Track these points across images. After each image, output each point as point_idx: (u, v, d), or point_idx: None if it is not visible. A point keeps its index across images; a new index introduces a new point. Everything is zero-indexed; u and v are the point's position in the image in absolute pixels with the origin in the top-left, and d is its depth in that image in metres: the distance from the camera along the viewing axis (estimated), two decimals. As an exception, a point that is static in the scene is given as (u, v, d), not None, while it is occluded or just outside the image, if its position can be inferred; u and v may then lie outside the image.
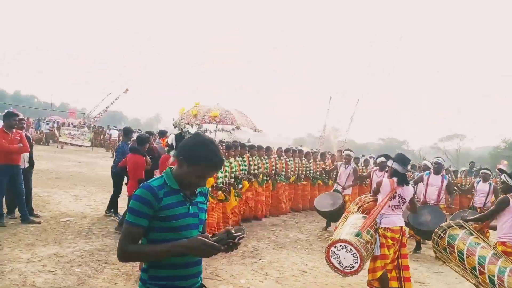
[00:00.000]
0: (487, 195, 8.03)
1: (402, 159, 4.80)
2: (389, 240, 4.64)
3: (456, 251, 4.36)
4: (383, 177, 6.94)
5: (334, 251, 4.35)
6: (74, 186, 11.19)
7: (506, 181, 4.60)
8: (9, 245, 5.59)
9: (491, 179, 8.61)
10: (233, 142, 7.63)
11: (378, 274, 4.62)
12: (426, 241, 7.58)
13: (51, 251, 5.53)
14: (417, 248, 7.57)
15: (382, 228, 4.71)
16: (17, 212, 7.04)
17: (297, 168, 10.54)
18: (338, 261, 4.34)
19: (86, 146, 24.77)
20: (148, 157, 6.72)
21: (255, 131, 4.84)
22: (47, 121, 28.22)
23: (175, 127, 4.71)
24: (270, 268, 5.80)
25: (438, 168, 7.55)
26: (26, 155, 7.16)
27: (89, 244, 6.01)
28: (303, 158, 10.94)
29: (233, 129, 4.63)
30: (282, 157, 10.20)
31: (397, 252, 4.76)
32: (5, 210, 6.90)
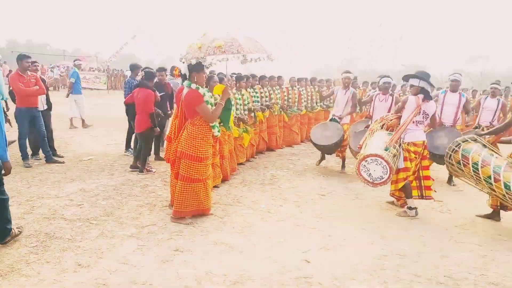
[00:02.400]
0: (495, 112, 7.20)
1: (427, 75, 5.00)
2: (412, 154, 4.95)
3: (470, 162, 4.68)
4: (385, 100, 6.87)
5: (364, 165, 4.70)
6: (93, 127, 11.38)
7: None
8: (36, 183, 5.81)
9: (500, 95, 7.72)
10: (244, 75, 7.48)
11: (400, 185, 5.00)
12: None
13: (76, 187, 5.74)
14: None
15: (406, 142, 4.99)
16: (41, 154, 7.26)
17: (309, 97, 10.29)
18: (368, 174, 4.70)
19: (102, 90, 24.87)
20: (157, 92, 6.70)
21: (267, 58, 4.58)
22: (58, 67, 28.17)
23: (182, 63, 4.57)
24: (289, 194, 5.91)
25: (455, 86, 6.75)
26: (43, 97, 7.24)
27: (112, 180, 6.20)
28: (317, 86, 10.59)
29: (242, 60, 4.40)
30: (295, 87, 9.89)
31: (418, 165, 5.10)
32: (29, 152, 7.10)
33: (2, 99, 5.49)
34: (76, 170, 6.67)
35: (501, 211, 5.02)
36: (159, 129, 6.78)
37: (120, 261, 3.64)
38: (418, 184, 5.18)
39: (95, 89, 24.66)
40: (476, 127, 7.17)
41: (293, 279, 3.44)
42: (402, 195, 5.17)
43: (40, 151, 7.26)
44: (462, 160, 4.79)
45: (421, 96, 4.93)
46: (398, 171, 4.97)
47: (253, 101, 7.86)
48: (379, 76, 7.63)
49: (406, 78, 5.22)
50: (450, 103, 6.75)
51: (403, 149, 4.99)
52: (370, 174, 4.71)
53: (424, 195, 5.18)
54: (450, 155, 4.97)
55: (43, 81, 7.20)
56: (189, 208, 4.59)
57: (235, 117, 6.74)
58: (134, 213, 4.83)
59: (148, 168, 6.75)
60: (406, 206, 5.10)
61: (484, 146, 4.84)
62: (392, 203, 5.48)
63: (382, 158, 4.62)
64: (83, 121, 11.38)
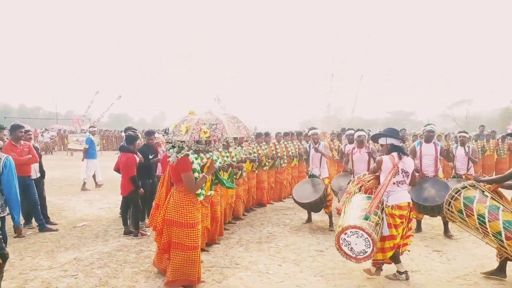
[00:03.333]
0: (468, 160, 7.28)
1: (394, 132, 4.75)
2: (397, 219, 4.50)
3: (475, 214, 4.37)
4: (360, 153, 6.91)
5: (344, 238, 4.22)
6: (87, 191, 11.31)
7: None
8: (29, 254, 5.69)
9: (470, 142, 7.87)
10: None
11: (389, 254, 4.56)
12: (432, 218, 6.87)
13: (70, 256, 5.62)
14: (418, 229, 6.86)
15: (389, 206, 4.57)
16: (34, 222, 7.16)
17: (297, 150, 10.34)
18: (349, 248, 4.22)
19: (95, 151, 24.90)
20: (139, 154, 6.79)
21: (248, 138, 4.74)
22: (47, 130, 28.44)
23: (168, 143, 4.65)
24: (287, 251, 5.83)
25: (430, 136, 6.75)
26: (36, 165, 7.25)
27: (107, 246, 6.10)
28: (303, 140, 10.75)
29: (224, 143, 4.59)
30: (281, 142, 9.94)
31: (405, 229, 4.66)
32: (22, 221, 6.99)
33: None
34: (70, 238, 6.56)
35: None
36: (143, 190, 6.72)
37: (116, 335, 3.51)
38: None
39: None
40: (454, 177, 7.19)
41: None
42: (389, 261, 4.71)
43: (33, 220, 7.17)
44: (465, 210, 4.48)
45: (395, 154, 4.61)
46: (384, 238, 4.49)
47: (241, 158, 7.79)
48: (348, 129, 7.90)
49: (374, 138, 5.02)
50: (427, 154, 6.69)
51: (386, 214, 4.56)
52: (351, 248, 4.21)
53: (399, 251, 4.72)
54: (450, 202, 4.68)
55: (36, 149, 7.26)
56: (182, 276, 4.44)
57: (222, 166, 6.45)
58: (130, 281, 4.71)
59: (142, 232, 6.68)
60: (396, 271, 4.69)
61: (484, 193, 4.58)
62: (368, 271, 4.78)
63: (363, 230, 4.13)
64: (96, 183, 12.16)
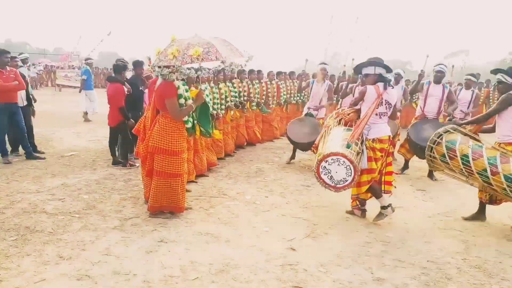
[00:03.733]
0: (469, 104, 7.20)
1: (382, 61, 4.44)
2: (378, 153, 4.34)
3: (459, 155, 4.25)
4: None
5: (325, 166, 4.10)
6: (75, 124, 11.20)
7: (504, 80, 4.44)
8: (16, 179, 5.67)
9: (474, 87, 7.64)
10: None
11: (364, 188, 4.41)
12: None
13: (58, 182, 5.62)
14: (405, 167, 6.98)
15: (370, 139, 4.37)
16: (21, 150, 7.10)
17: (289, 91, 10.22)
18: (329, 177, 4.11)
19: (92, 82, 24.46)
20: (127, 84, 6.61)
21: (246, 61, 4.48)
22: (33, 65, 27.65)
23: (153, 71, 4.43)
24: (275, 185, 5.90)
25: (440, 77, 6.52)
26: (23, 93, 7.07)
27: (95, 174, 6.10)
28: (296, 80, 10.49)
29: (219, 64, 4.32)
30: (273, 81, 9.75)
31: (384, 163, 4.49)
32: (9, 148, 6.93)
33: None
34: (57, 166, 6.54)
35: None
36: (133, 121, 6.42)
37: (103, 252, 3.58)
38: (378, 179, 4.54)
39: (77, 86, 24.22)
40: (450, 119, 6.77)
41: (278, 266, 3.44)
42: (368, 196, 4.60)
43: (20, 148, 7.10)
44: (448, 152, 4.33)
45: (380, 84, 4.33)
46: (362, 172, 4.30)
47: (232, 96, 7.65)
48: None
49: (357, 69, 4.63)
50: (434, 95, 6.52)
51: (366, 147, 4.36)
52: (331, 176, 4.10)
53: (383, 189, 4.55)
54: (432, 147, 4.52)
55: (23, 76, 7.04)
56: (165, 203, 4.43)
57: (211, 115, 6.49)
58: (117, 206, 4.75)
59: (131, 162, 6.67)
60: (380, 207, 4.48)
61: (466, 135, 4.49)
62: (351, 212, 4.75)
63: (345, 157, 4.03)
64: (85, 113, 12.12)
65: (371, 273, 3.39)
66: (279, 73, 10.27)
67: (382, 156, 4.39)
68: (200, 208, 4.79)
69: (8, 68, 6.54)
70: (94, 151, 7.75)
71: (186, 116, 4.48)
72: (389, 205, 4.44)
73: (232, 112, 7.63)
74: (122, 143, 6.71)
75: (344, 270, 3.42)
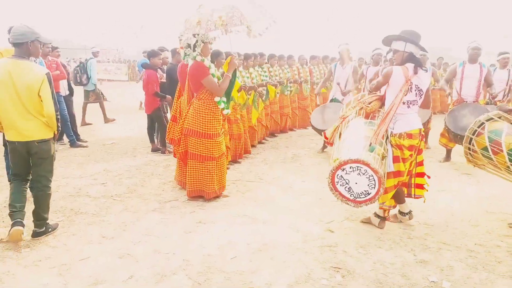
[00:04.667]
0: (507, 83, 6.42)
1: (418, 37, 3.56)
2: (406, 152, 3.52)
3: (505, 149, 3.53)
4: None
5: (341, 176, 3.30)
6: (116, 114, 11.50)
7: None
8: (61, 165, 5.91)
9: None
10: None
11: (390, 195, 3.62)
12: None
13: (100, 167, 5.81)
14: (447, 157, 6.34)
15: (396, 135, 3.53)
16: (65, 138, 7.39)
17: (322, 75, 9.75)
18: (346, 188, 3.32)
19: (124, 81, 25.18)
20: (160, 71, 6.67)
21: (273, 24, 4.13)
22: (73, 60, 28.67)
23: (180, 40, 4.36)
24: (311, 170, 5.83)
25: (475, 55, 5.87)
26: (64, 83, 7.33)
27: (135, 161, 6.26)
28: (329, 64, 9.99)
29: (247, 32, 4.07)
30: (305, 66, 9.43)
31: (414, 162, 3.70)
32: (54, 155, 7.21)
33: None
34: (99, 153, 6.76)
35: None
36: (170, 97, 6.43)
37: (143, 233, 3.66)
38: (408, 181, 3.80)
39: (117, 80, 24.97)
40: (487, 103, 6.33)
41: (317, 247, 3.39)
42: (394, 204, 3.81)
43: (65, 136, 7.39)
44: (491, 146, 3.62)
45: (410, 65, 3.51)
46: (389, 175, 3.53)
47: (262, 80, 7.45)
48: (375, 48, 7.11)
49: (386, 40, 3.70)
50: (470, 75, 5.91)
51: (392, 145, 3.56)
52: (349, 188, 3.31)
53: (413, 193, 3.84)
54: (471, 139, 3.80)
55: (64, 66, 7.30)
56: (204, 187, 4.41)
57: (244, 86, 6.34)
58: (157, 189, 4.85)
59: (169, 150, 6.78)
60: (398, 211, 3.86)
61: None
62: (369, 220, 3.91)
63: (368, 165, 3.21)
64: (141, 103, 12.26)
65: (413, 255, 3.27)
66: (313, 57, 9.97)
67: (411, 155, 3.58)
68: (237, 191, 4.80)
69: (50, 58, 6.79)
70: (134, 139, 7.94)
71: (218, 97, 4.37)
72: (409, 212, 3.81)
73: (264, 98, 7.41)
74: (160, 129, 6.83)
75: (385, 252, 3.32)
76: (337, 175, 3.31)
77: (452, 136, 5.83)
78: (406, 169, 3.59)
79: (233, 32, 4.14)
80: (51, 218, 3.94)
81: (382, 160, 3.40)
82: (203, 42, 4.18)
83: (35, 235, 3.50)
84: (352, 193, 3.33)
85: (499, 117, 3.75)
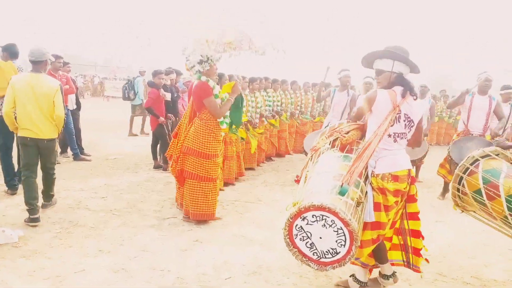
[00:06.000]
0: (508, 119, 6.03)
1: (406, 54, 2.85)
2: (390, 197, 2.71)
3: (503, 195, 2.81)
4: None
5: (301, 227, 2.44)
6: (122, 131, 11.63)
7: None
8: (63, 177, 5.94)
9: None
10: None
11: (367, 250, 2.78)
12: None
13: (102, 182, 5.85)
14: (445, 190, 5.97)
15: (379, 175, 2.75)
16: (69, 151, 7.46)
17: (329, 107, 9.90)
18: (308, 244, 2.46)
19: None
20: (162, 90, 6.77)
21: (280, 49, 4.18)
22: (81, 75, 29.20)
23: (187, 61, 4.25)
24: (311, 195, 5.83)
25: (486, 87, 5.62)
26: (72, 97, 7.45)
27: (137, 177, 6.30)
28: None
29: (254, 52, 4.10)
30: (309, 93, 9.46)
31: (401, 211, 2.93)
32: (58, 149, 7.30)
33: None
34: (102, 168, 6.82)
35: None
36: (162, 118, 6.71)
37: (140, 248, 3.67)
38: (402, 242, 3.03)
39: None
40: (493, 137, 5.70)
41: (312, 272, 3.38)
42: (373, 262, 3.03)
43: (69, 149, 7.47)
44: (485, 188, 2.90)
45: (398, 89, 2.81)
46: (365, 226, 2.69)
47: (266, 105, 7.56)
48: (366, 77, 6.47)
49: (366, 60, 2.95)
50: (479, 107, 5.70)
51: (373, 187, 2.76)
52: (312, 244, 2.45)
53: (410, 262, 3.02)
54: (462, 178, 3.11)
55: (73, 81, 7.45)
56: (197, 210, 4.31)
57: (250, 121, 6.48)
58: (156, 206, 4.88)
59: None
60: (379, 274, 3.07)
61: None
62: (345, 283, 3.16)
63: (336, 214, 2.34)
64: None
65: (409, 285, 3.26)
66: (314, 84, 9.89)
67: (397, 201, 2.77)
68: (236, 211, 4.82)
69: (60, 72, 6.94)
70: (138, 156, 8.01)
71: (222, 117, 4.38)
72: (393, 275, 3.02)
73: (265, 122, 7.48)
74: (162, 147, 6.91)
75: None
76: (296, 225, 2.44)
77: (454, 168, 5.36)
78: (389, 219, 2.78)
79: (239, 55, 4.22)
80: (49, 229, 3.99)
81: (358, 206, 2.51)
82: (210, 62, 4.23)
83: (44, 206, 4.50)
84: (315, 251, 2.45)
85: (497, 154, 3.15)
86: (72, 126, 7.16)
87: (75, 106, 7.57)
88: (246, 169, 6.88)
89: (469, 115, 5.83)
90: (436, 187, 6.53)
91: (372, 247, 2.78)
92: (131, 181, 6.01)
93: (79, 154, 7.30)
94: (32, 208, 4.08)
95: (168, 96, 6.89)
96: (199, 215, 4.34)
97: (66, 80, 7.00)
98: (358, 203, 2.54)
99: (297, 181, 3.00)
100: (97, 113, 15.71)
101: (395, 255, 3.05)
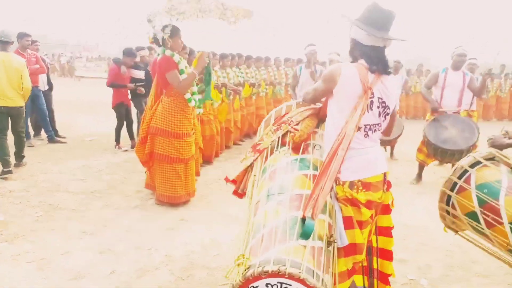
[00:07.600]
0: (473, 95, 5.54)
1: (375, 18, 2.02)
2: (364, 210, 2.01)
3: (505, 221, 2.05)
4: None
5: None
6: (96, 111, 11.35)
7: None
8: (39, 160, 5.78)
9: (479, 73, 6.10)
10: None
11: (344, 286, 2.00)
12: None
13: (80, 163, 5.71)
14: (419, 178, 5.59)
15: (345, 183, 2.01)
16: (43, 134, 7.23)
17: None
18: None
19: (103, 78, 24.79)
20: (123, 66, 6.57)
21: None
22: (46, 55, 28.16)
23: (153, 27, 3.92)
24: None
25: (461, 62, 5.29)
26: (44, 77, 7.16)
27: (115, 158, 6.18)
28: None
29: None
30: (280, 68, 9.35)
31: (373, 228, 2.25)
32: (31, 132, 7.06)
33: None
34: (79, 149, 6.65)
35: None
36: (131, 85, 6.67)
37: (125, 229, 3.63)
38: (366, 264, 2.33)
39: (98, 77, 24.56)
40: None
41: (299, 245, 3.42)
42: None
43: (42, 132, 7.23)
44: (482, 212, 2.15)
45: (362, 62, 2.06)
46: (339, 254, 1.91)
47: (238, 81, 7.29)
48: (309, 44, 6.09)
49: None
50: (453, 83, 5.32)
51: (337, 198, 2.02)
52: None
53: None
54: (449, 197, 2.32)
55: (43, 60, 7.14)
56: (169, 192, 4.11)
57: (216, 85, 6.08)
58: (138, 186, 4.81)
59: (119, 146, 6.82)
60: None
61: None
62: None
63: (303, 282, 1.51)
64: None
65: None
66: (286, 60, 9.83)
67: (372, 215, 2.09)
68: (220, 190, 4.80)
69: (29, 51, 6.64)
70: (114, 136, 7.82)
71: (189, 94, 4.07)
72: None
73: (240, 96, 7.25)
74: (127, 126, 6.93)
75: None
76: None
77: (432, 150, 5.08)
78: (364, 238, 2.06)
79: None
80: (29, 213, 3.88)
81: (329, 247, 1.77)
82: (171, 36, 3.92)
83: (16, 165, 5.29)
84: None
85: (492, 158, 2.30)
86: (45, 107, 6.91)
87: (47, 87, 7.28)
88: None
89: (442, 93, 5.42)
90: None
91: (348, 282, 2.02)
92: (110, 162, 5.89)
93: (53, 136, 7.08)
94: (5, 162, 4.93)
95: (138, 74, 6.68)
96: (175, 198, 4.14)
97: (36, 59, 6.71)
98: (329, 242, 1.78)
99: (235, 192, 2.55)
100: (68, 94, 15.24)
101: (357, 281, 2.29)
